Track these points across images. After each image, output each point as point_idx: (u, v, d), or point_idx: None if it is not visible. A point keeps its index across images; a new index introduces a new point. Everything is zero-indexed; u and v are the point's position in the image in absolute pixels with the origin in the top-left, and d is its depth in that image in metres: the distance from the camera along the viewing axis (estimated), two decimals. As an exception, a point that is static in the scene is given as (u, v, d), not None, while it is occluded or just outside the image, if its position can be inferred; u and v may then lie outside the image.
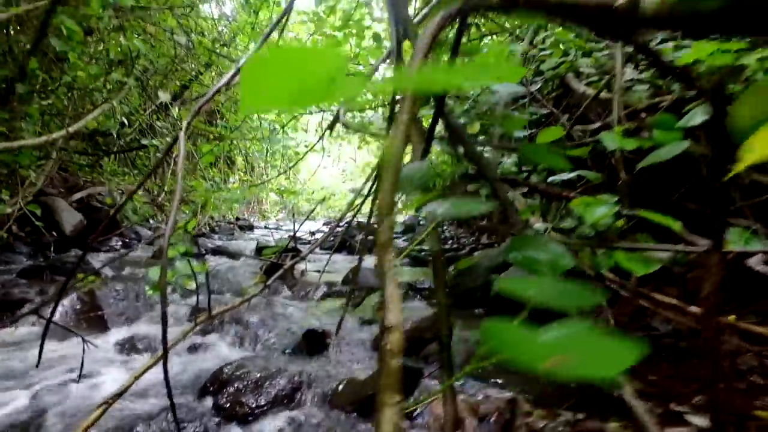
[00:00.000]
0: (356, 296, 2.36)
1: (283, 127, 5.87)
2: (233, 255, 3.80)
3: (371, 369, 1.52)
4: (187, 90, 8.30)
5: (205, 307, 1.96)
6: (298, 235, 5.47)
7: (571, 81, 2.48)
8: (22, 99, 4.03)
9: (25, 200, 3.57)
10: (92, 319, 2.05)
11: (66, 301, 2.11)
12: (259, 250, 3.81)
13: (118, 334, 1.92)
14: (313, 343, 1.65)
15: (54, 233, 3.49)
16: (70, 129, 3.75)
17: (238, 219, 7.62)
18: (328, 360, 1.60)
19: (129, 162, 6.06)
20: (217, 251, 3.94)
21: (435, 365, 1.51)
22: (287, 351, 1.66)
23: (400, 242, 5.73)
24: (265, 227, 7.70)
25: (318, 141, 3.61)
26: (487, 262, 2.66)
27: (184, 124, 1.07)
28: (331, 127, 2.39)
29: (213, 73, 7.25)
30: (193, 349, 1.75)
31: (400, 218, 7.84)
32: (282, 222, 10.07)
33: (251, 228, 7.14)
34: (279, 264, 2.90)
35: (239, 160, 11.09)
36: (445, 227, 7.48)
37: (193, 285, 1.77)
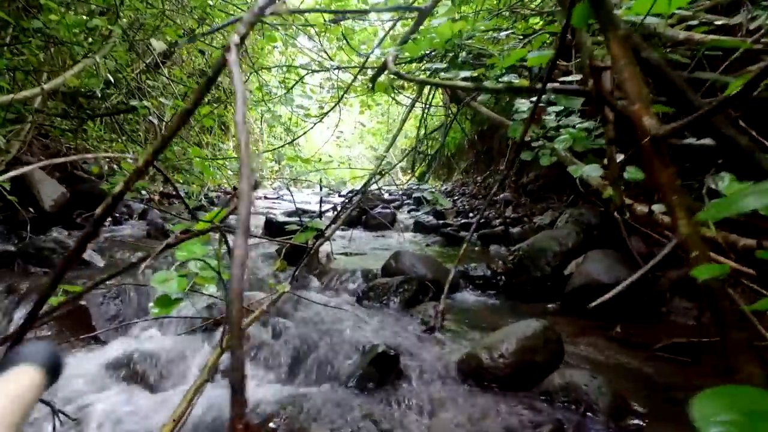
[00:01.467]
0: (405, 289, 1.91)
1: (289, 90, 5.29)
2: (232, 231, 3.32)
3: (465, 409, 1.09)
4: (177, 48, 7.63)
5: (218, 307, 1.51)
6: (305, 207, 4.98)
7: None
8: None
9: (-5, 170, 3.04)
10: (78, 326, 1.58)
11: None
12: (276, 228, 3.33)
13: (111, 349, 1.46)
14: (385, 369, 1.20)
15: (31, 209, 2.98)
16: (46, 86, 3.20)
17: (235, 189, 7.09)
18: (404, 395, 1.16)
19: (117, 127, 5.47)
20: (219, 226, 3.45)
21: (564, 408, 1.08)
22: (349, 382, 1.20)
23: (406, 215, 5.28)
24: (264, 197, 7.19)
25: (339, 100, 3.12)
26: (556, 246, 2.21)
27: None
28: (374, 78, 1.90)
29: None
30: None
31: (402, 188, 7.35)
32: (281, 190, 9.55)
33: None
34: (302, 247, 2.44)
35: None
36: (457, 198, 7.04)
37: (211, 288, 1.31)
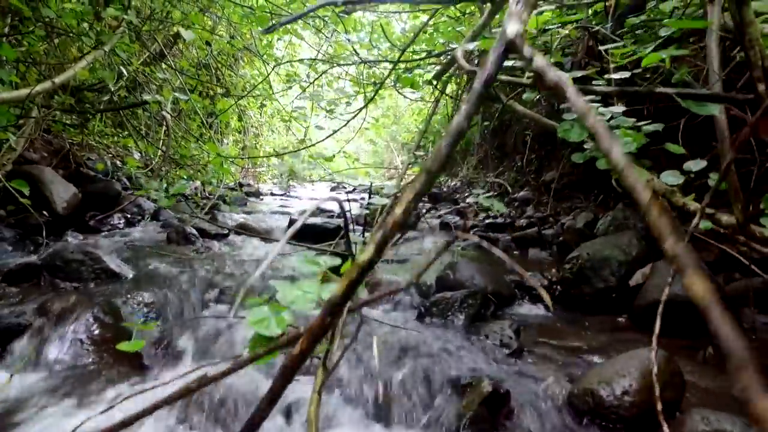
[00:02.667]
0: (469, 304, 1.76)
1: (311, 84, 5.07)
2: (264, 236, 3.15)
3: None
4: (180, 38, 7.38)
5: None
6: (324, 206, 4.80)
7: None
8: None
9: (4, 170, 2.85)
10: (120, 353, 1.41)
11: (79, 325, 1.47)
12: (304, 230, 3.15)
13: (159, 373, 1.30)
14: (495, 409, 1.06)
15: (45, 212, 2.79)
16: (57, 80, 3.00)
17: (241, 185, 6.90)
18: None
19: (125, 121, 5.25)
20: (242, 230, 3.28)
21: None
22: (462, 425, 1.05)
23: (427, 214, 5.12)
24: (271, 194, 7.00)
25: (375, 94, 2.95)
26: (620, 255, 2.07)
27: None
28: (440, 75, 1.73)
29: (207, 20, 6.35)
30: (287, 414, 1.14)
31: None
32: (286, 186, 9.34)
33: (258, 194, 6.44)
34: (343, 254, 2.29)
35: (234, 120, 10.23)
36: (468, 195, 6.89)
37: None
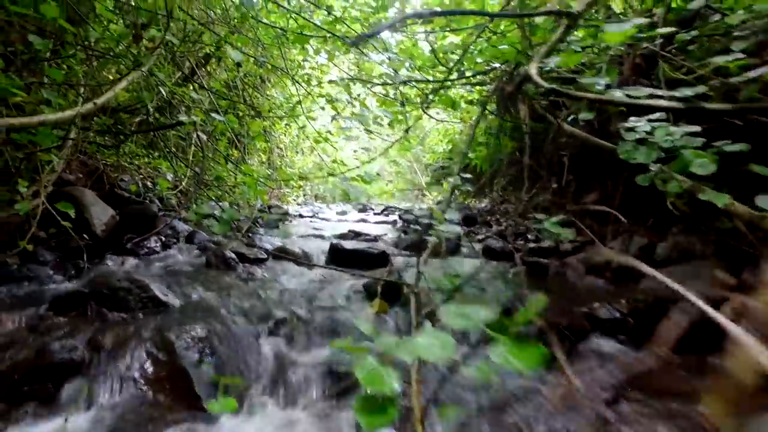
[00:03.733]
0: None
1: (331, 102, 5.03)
2: (303, 261, 3.04)
3: None
4: (211, 59, 7.44)
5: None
6: (358, 228, 4.69)
7: None
8: (37, 60, 3.24)
9: (46, 192, 2.80)
10: (177, 394, 1.30)
11: (132, 361, 1.36)
12: (346, 256, 3.03)
13: (220, 416, 1.18)
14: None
15: (85, 236, 2.72)
16: (98, 101, 2.96)
17: (270, 207, 6.85)
18: None
19: (156, 141, 5.24)
20: (280, 254, 3.17)
21: None
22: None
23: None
24: (300, 215, 6.93)
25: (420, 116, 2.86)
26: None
27: None
28: (513, 94, 1.62)
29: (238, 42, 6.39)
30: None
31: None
32: (312, 206, 9.30)
33: (287, 216, 6.37)
34: (396, 283, 2.16)
35: (260, 140, 10.26)
36: (500, 217, 6.73)
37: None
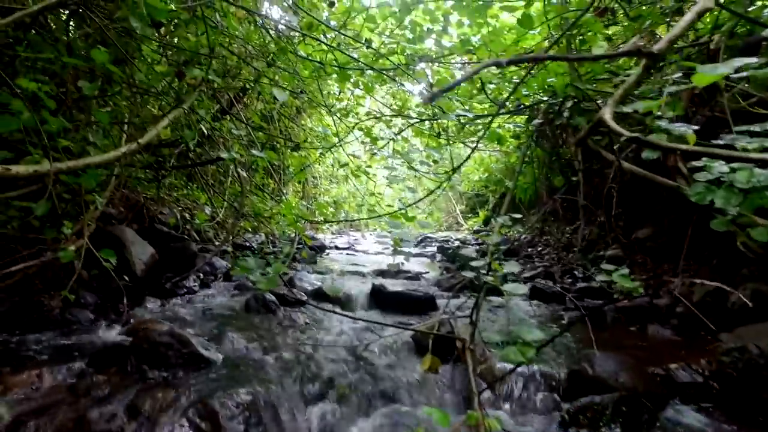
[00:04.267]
0: (623, 411, 1.43)
1: (369, 134, 4.99)
2: (345, 305, 2.92)
3: None
4: (246, 93, 7.56)
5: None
6: (400, 265, 4.56)
7: None
8: (85, 102, 3.29)
9: (89, 231, 2.78)
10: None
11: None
12: (389, 299, 2.90)
13: None
14: None
15: (125, 277, 2.69)
16: (142, 140, 2.97)
17: (301, 240, 6.80)
18: None
19: (195, 174, 5.28)
20: (320, 295, 3.06)
21: None
22: None
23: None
24: (336, 247, 6.84)
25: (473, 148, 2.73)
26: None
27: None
28: (588, 136, 1.49)
29: (276, 75, 6.46)
30: None
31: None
32: (347, 235, 9.23)
33: (323, 249, 6.30)
34: (448, 337, 2.00)
35: (301, 176, 10.34)
36: (541, 249, 6.49)
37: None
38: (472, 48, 5.24)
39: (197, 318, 2.42)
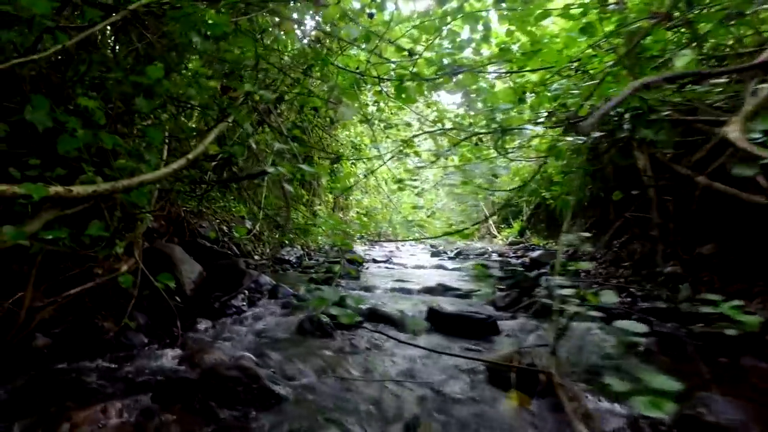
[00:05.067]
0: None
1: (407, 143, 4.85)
2: (403, 328, 2.76)
3: None
4: (283, 101, 7.53)
5: None
6: (443, 280, 4.39)
7: None
8: (130, 117, 3.26)
9: (141, 249, 2.71)
10: None
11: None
12: (447, 321, 2.74)
13: None
14: None
15: (177, 298, 2.60)
16: (190, 156, 2.90)
17: (339, 250, 6.69)
18: None
19: (233, 186, 5.24)
20: (374, 316, 2.92)
21: None
22: None
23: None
24: (374, 260, 6.71)
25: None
26: None
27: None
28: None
29: (315, 82, 6.39)
30: None
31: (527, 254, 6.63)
32: (382, 248, 9.09)
33: (361, 262, 6.17)
34: (533, 370, 1.84)
35: (325, 180, 10.28)
36: (577, 257, 6.22)
37: None
38: (511, 57, 5.08)
39: (252, 342, 2.31)
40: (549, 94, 4.59)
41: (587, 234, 2.65)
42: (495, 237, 12.47)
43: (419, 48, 5.37)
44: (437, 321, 2.77)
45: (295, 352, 2.16)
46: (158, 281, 2.07)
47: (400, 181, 3.94)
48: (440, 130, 4.61)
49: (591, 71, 4.80)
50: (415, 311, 2.99)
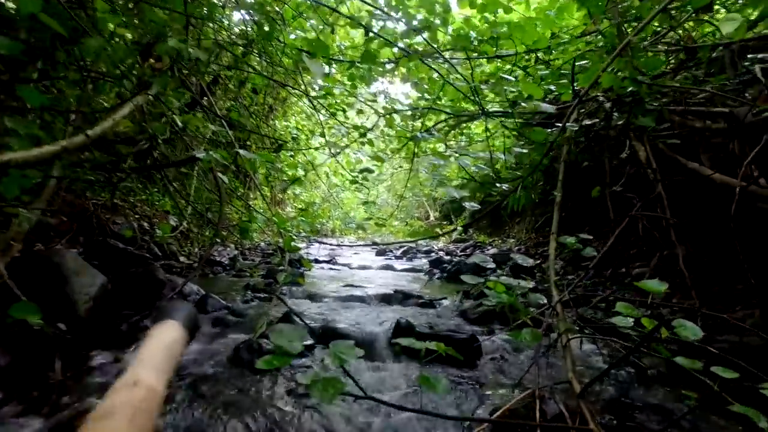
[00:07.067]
0: None
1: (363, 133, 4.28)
2: (362, 348, 2.23)
3: None
4: (218, 84, 6.73)
5: None
6: (398, 284, 3.88)
7: None
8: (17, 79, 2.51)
9: (7, 258, 2.01)
10: None
11: None
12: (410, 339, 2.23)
13: None
14: None
15: (61, 325, 1.91)
16: (91, 132, 2.22)
17: (281, 249, 6.04)
18: None
19: (160, 177, 4.46)
20: (332, 336, 2.37)
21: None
22: None
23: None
24: (316, 260, 6.10)
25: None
26: None
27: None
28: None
29: (258, 63, 5.66)
30: None
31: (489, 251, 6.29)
32: (322, 243, 8.44)
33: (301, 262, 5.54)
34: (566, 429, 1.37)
35: (263, 173, 9.52)
36: (531, 254, 5.97)
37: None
38: (470, 45, 4.67)
39: (172, 388, 1.69)
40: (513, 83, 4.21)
41: (588, 236, 2.23)
42: (438, 234, 12.16)
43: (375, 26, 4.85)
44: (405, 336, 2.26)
45: (229, 399, 1.58)
46: (10, 315, 1.39)
47: (366, 170, 3.40)
48: (412, 109, 4.09)
49: (559, 60, 4.49)
50: (378, 327, 2.47)
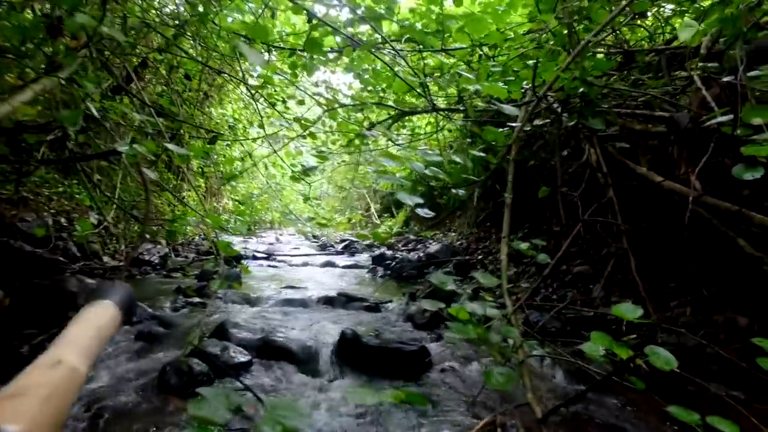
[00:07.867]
0: None
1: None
2: (304, 363, 2.06)
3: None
4: (147, 68, 6.22)
5: None
6: (341, 285, 3.72)
7: None
8: None
9: None
10: None
11: None
12: (365, 354, 2.09)
13: None
14: None
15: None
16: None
17: (217, 249, 5.69)
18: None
19: (80, 169, 4.01)
20: (270, 350, 2.18)
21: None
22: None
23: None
24: (254, 257, 5.81)
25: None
26: None
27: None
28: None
29: (191, 47, 5.24)
30: None
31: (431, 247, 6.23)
32: (260, 240, 8.10)
33: (239, 259, 5.24)
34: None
35: (196, 164, 9.01)
36: (481, 257, 6.00)
37: None
38: (420, 37, 4.56)
39: (78, 420, 1.45)
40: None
41: (542, 242, 2.17)
42: (378, 227, 12.08)
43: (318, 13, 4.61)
44: (353, 354, 2.12)
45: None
46: None
47: (308, 169, 3.18)
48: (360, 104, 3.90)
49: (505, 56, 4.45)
50: (322, 338, 2.31)
